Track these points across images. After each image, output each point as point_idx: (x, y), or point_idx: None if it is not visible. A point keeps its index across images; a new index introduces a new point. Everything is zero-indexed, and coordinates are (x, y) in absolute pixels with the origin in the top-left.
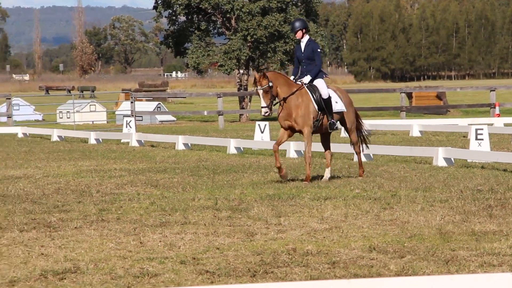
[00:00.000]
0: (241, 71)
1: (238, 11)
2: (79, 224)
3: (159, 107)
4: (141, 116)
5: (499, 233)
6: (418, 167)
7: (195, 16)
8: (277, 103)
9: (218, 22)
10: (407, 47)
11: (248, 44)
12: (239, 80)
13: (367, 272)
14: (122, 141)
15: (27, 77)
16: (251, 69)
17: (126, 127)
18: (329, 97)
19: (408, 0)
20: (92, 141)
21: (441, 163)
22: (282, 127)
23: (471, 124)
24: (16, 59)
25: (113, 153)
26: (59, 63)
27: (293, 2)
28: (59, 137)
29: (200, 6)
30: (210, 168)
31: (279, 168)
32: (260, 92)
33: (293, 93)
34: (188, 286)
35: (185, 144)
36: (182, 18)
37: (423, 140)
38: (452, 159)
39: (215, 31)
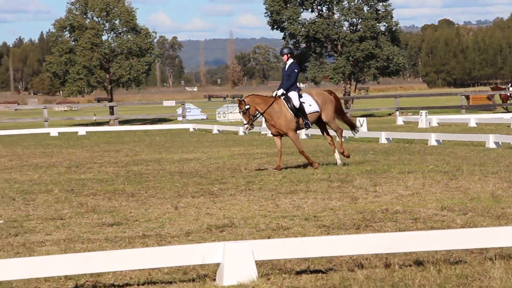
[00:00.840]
0: (345, 82)
1: (342, 39)
2: (233, 192)
3: None
4: None
5: None
6: (475, 149)
7: (312, 43)
8: (257, 117)
9: (328, 47)
10: (465, 62)
11: (350, 63)
12: (344, 89)
13: (440, 225)
14: (262, 132)
15: (195, 89)
16: (352, 80)
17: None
18: (301, 104)
19: (465, 28)
20: (241, 133)
21: (492, 145)
22: (272, 134)
23: None
24: (188, 76)
25: (256, 142)
26: (217, 79)
27: (382, 32)
28: (218, 130)
29: (316, 36)
30: (324, 152)
31: (277, 169)
32: (241, 113)
33: (269, 106)
34: (310, 236)
35: (306, 135)
36: (303, 45)
37: (478, 129)
38: (500, 143)
39: (326, 54)
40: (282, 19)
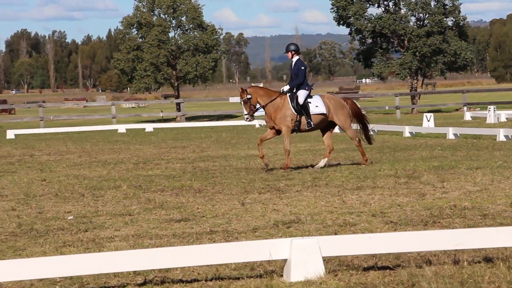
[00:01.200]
0: (412, 78)
1: (409, 35)
2: (299, 188)
3: None
4: None
5: None
6: None
7: (379, 38)
8: (257, 109)
9: (395, 42)
10: None
11: (417, 58)
12: (410, 84)
13: (510, 222)
14: None
15: (261, 85)
16: (419, 75)
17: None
18: (305, 103)
19: None
20: None
21: None
22: (269, 127)
23: None
24: (254, 73)
25: (321, 138)
26: (283, 75)
27: (449, 27)
28: None
29: (382, 31)
30: (391, 147)
31: (262, 157)
32: (242, 103)
33: (271, 101)
34: (378, 232)
35: (373, 130)
36: (369, 41)
37: None
38: None
39: (393, 49)
40: (348, 15)
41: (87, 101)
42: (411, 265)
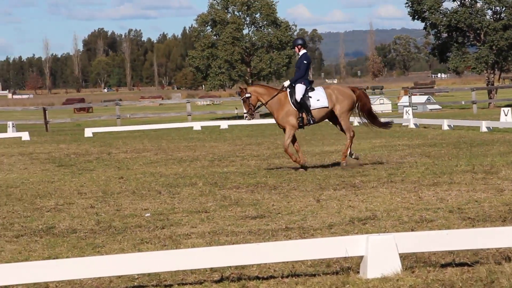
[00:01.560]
0: (489, 72)
1: (485, 28)
2: (375, 184)
3: (429, 99)
4: (416, 106)
5: None
6: None
7: (454, 33)
8: (258, 107)
9: (471, 36)
10: None
11: (493, 52)
12: (487, 78)
13: None
14: (402, 124)
15: (335, 81)
16: (496, 69)
17: (405, 114)
18: (303, 99)
19: None
20: None
21: None
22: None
23: None
24: (328, 69)
25: (397, 133)
26: (357, 70)
27: None
28: (358, 122)
29: (458, 25)
30: (468, 143)
31: (295, 161)
32: (242, 102)
33: (272, 98)
34: (455, 228)
35: (449, 125)
36: (444, 35)
37: None
38: None
39: (469, 43)
40: (423, 9)
41: (162, 98)
42: (489, 262)
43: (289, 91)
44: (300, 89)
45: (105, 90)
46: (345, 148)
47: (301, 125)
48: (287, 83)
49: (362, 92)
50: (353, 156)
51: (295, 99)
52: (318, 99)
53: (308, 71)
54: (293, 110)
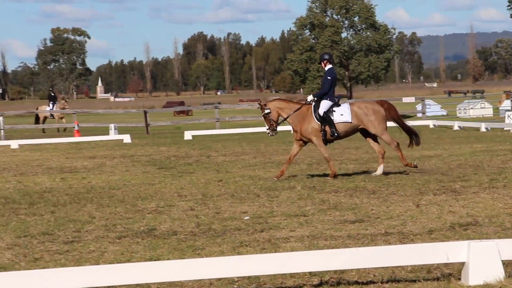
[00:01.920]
0: None
1: None
2: (476, 189)
3: None
4: None
5: None
6: None
7: None
8: (280, 122)
9: None
10: None
11: None
12: None
13: None
14: (504, 129)
15: (435, 85)
16: None
17: (507, 118)
18: (326, 113)
19: None
20: (483, 129)
21: None
22: (295, 139)
23: None
24: (427, 72)
25: (498, 138)
26: (457, 74)
27: None
28: (459, 127)
29: None
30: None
31: (282, 173)
32: (263, 118)
33: (295, 111)
34: None
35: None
36: None
37: None
38: None
39: None
40: None
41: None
42: None
43: (314, 105)
44: (325, 104)
45: (219, 93)
46: (401, 158)
47: (323, 139)
48: (310, 97)
49: (389, 104)
50: (374, 174)
51: (319, 114)
52: (342, 113)
53: (333, 87)
54: (316, 124)
